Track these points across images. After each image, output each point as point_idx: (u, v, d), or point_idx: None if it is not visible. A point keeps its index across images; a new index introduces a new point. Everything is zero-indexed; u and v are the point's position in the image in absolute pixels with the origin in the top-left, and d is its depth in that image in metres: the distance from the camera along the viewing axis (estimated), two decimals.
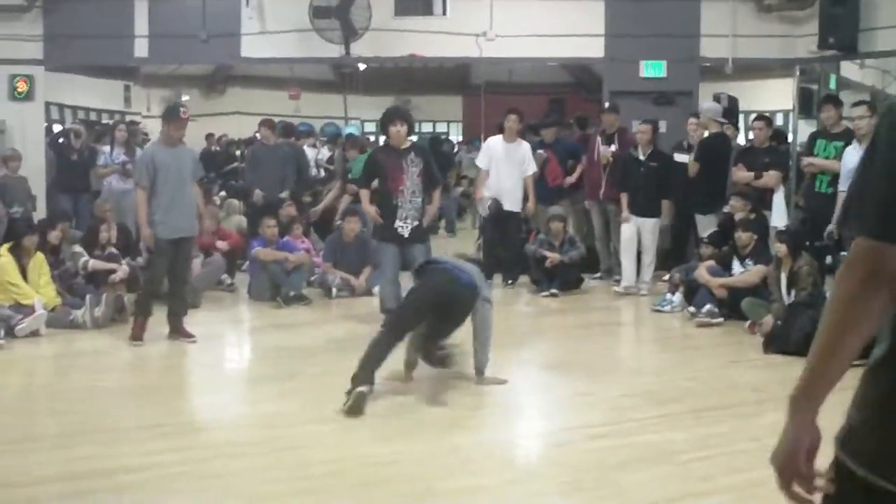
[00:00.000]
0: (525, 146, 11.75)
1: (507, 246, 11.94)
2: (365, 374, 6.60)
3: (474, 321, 7.07)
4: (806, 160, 10.52)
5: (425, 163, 9.38)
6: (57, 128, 15.58)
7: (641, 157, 11.42)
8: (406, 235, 9.26)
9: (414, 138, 10.06)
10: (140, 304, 8.94)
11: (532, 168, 11.69)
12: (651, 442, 5.85)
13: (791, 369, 7.69)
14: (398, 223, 9.24)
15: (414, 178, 9.29)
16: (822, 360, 2.03)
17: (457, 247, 13.70)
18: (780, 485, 2.08)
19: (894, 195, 1.93)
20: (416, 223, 9.29)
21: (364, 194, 9.70)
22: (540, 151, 12.61)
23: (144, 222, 8.70)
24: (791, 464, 2.06)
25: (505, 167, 11.50)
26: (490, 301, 7.25)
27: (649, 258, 11.39)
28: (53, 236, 10.12)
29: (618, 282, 11.82)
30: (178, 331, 8.89)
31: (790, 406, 2.07)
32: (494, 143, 11.80)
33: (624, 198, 11.46)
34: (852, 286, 1.97)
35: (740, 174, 10.86)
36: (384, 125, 9.48)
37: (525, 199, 11.78)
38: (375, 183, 9.62)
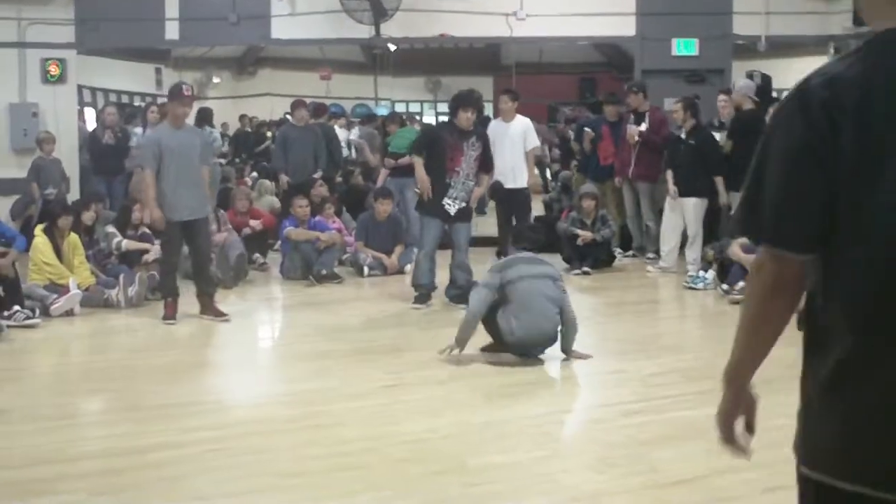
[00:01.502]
0: (524, 122, 11.59)
1: (518, 222, 11.85)
2: None
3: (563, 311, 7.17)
4: None
5: (484, 148, 9.50)
6: (89, 111, 15.68)
7: (683, 136, 11.31)
8: (452, 214, 9.34)
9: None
10: (163, 285, 9.02)
11: (533, 142, 11.57)
12: (684, 418, 5.82)
13: None
14: (447, 201, 9.32)
15: (471, 161, 9.43)
16: (742, 350, 2.19)
17: (485, 225, 13.66)
18: (721, 439, 2.31)
19: (788, 198, 1.99)
20: (463, 204, 9.37)
21: (418, 163, 9.68)
22: (587, 129, 12.55)
23: (152, 204, 8.69)
24: (727, 424, 2.28)
25: (502, 146, 11.37)
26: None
27: (692, 239, 11.15)
28: (87, 217, 10.18)
29: (650, 260, 11.76)
30: (209, 309, 8.92)
31: (723, 379, 2.26)
32: (492, 125, 11.68)
33: (669, 176, 11.30)
34: (759, 289, 2.09)
35: None
36: (454, 108, 9.58)
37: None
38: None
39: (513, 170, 11.27)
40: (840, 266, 1.98)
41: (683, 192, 11.10)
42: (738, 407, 2.27)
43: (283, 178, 12.77)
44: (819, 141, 1.93)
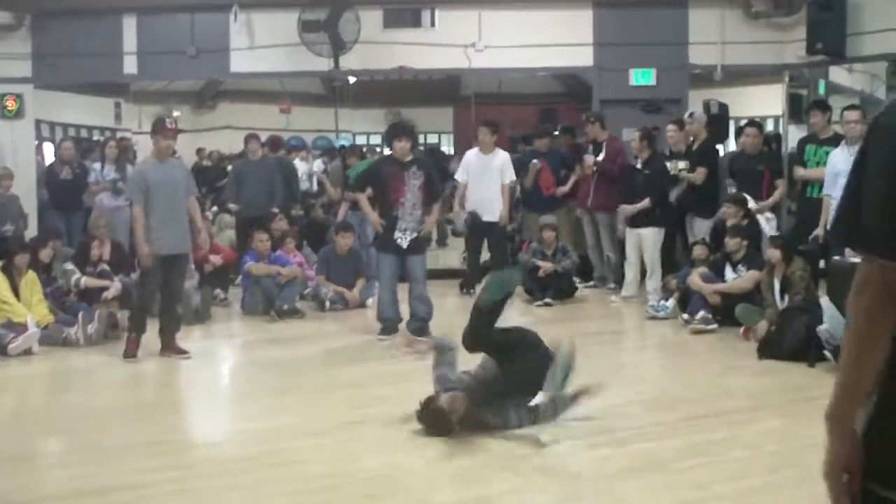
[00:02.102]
0: (502, 155, 11.71)
1: (494, 256, 11.93)
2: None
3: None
4: (798, 173, 10.62)
5: (427, 176, 9.52)
6: (47, 146, 15.55)
7: (638, 166, 11.42)
8: (405, 247, 9.34)
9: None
10: (133, 320, 8.89)
11: (510, 176, 11.66)
12: (647, 450, 5.85)
13: (786, 375, 7.74)
14: (397, 234, 9.36)
15: (415, 190, 9.42)
16: (848, 378, 2.10)
17: (446, 258, 13.70)
18: (831, 496, 2.14)
19: (890, 209, 1.98)
20: (414, 234, 9.38)
21: (362, 198, 9.76)
22: (535, 161, 12.63)
23: (142, 240, 8.64)
24: (838, 475, 2.11)
25: (482, 179, 11.47)
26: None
27: (650, 268, 11.23)
28: (45, 254, 10.09)
29: (612, 290, 11.83)
30: (170, 347, 8.86)
31: (827, 424, 2.13)
32: (470, 156, 11.79)
33: (622, 209, 11.43)
34: (867, 306, 2.03)
35: (801, 172, 10.75)
36: (389, 139, 9.64)
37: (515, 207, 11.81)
38: (369, 191, 9.71)
39: (490, 202, 11.35)
40: None
41: (640, 223, 11.20)
42: (847, 453, 2.11)
43: (233, 207, 12.76)
44: None
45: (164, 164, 8.80)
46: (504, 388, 6.23)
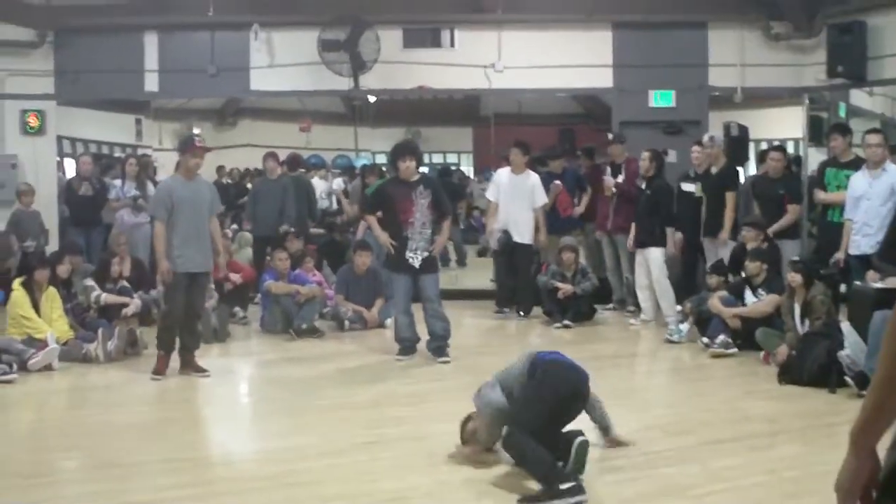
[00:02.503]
0: (533, 177, 11.77)
1: (519, 277, 11.95)
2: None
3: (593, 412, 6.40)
4: (818, 197, 10.60)
5: (434, 194, 9.50)
6: (69, 161, 15.64)
7: (643, 187, 11.43)
8: (417, 266, 9.34)
9: (424, 170, 10.13)
10: (161, 339, 8.90)
11: (542, 199, 11.69)
12: (666, 475, 5.81)
13: (806, 400, 7.70)
14: (409, 254, 9.35)
15: (423, 209, 9.41)
16: (878, 400, 2.07)
17: (467, 278, 13.69)
18: None
19: None
20: (426, 254, 9.39)
21: (372, 220, 9.78)
22: (557, 182, 12.65)
23: (163, 256, 8.67)
24: (851, 494, 2.11)
25: (513, 199, 11.52)
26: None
27: (659, 289, 11.23)
28: (62, 270, 10.10)
29: (631, 313, 11.80)
30: (189, 365, 8.87)
31: (850, 440, 2.12)
32: (502, 175, 11.84)
33: (632, 230, 11.44)
34: None
35: (822, 196, 10.75)
36: (394, 160, 9.63)
37: (537, 230, 11.81)
38: (380, 214, 9.75)
39: (517, 223, 11.36)
40: None
41: (645, 243, 11.20)
42: (863, 474, 2.12)
43: (246, 229, 12.80)
44: None
45: (191, 181, 8.83)
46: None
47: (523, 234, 11.53)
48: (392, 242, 9.45)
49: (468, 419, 6.17)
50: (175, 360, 8.93)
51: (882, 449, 2.13)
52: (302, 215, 13.35)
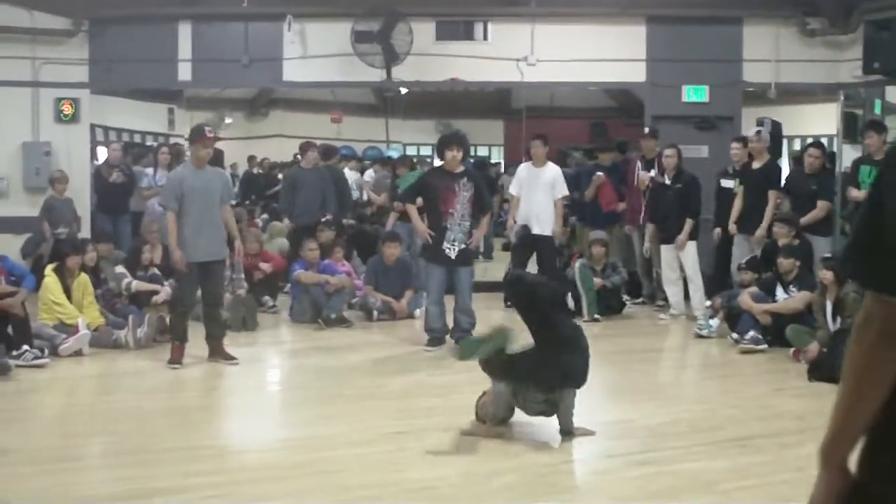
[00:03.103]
0: (554, 169, 11.67)
1: (543, 270, 11.88)
2: None
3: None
4: (852, 194, 10.51)
5: (476, 188, 9.53)
6: (102, 150, 15.74)
7: (668, 182, 11.37)
8: (453, 257, 9.34)
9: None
10: (174, 327, 8.97)
11: (562, 191, 11.61)
12: (692, 470, 5.78)
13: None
14: (446, 245, 9.37)
15: (465, 202, 9.44)
16: (845, 416, 2.02)
17: (493, 270, 13.68)
18: None
19: None
20: (463, 246, 9.38)
21: (412, 209, 9.78)
22: (599, 174, 12.60)
23: (175, 245, 8.72)
24: None
25: (533, 192, 11.41)
26: None
27: (695, 283, 11.21)
28: (88, 258, 10.10)
29: (660, 307, 11.75)
30: (218, 353, 8.92)
31: (819, 458, 2.07)
32: (522, 169, 11.75)
33: (649, 228, 11.43)
34: (868, 343, 1.94)
35: (855, 193, 10.70)
36: (441, 149, 9.61)
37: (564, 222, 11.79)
38: (420, 202, 9.73)
39: (538, 216, 11.29)
40: None
41: (674, 238, 11.15)
42: (835, 491, 2.06)
43: (285, 221, 12.71)
44: None
45: (202, 171, 8.86)
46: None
47: (544, 227, 11.43)
48: (430, 233, 9.44)
49: (483, 394, 6.49)
50: (202, 349, 8.98)
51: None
52: (339, 206, 13.35)
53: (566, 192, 11.75)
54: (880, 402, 1.97)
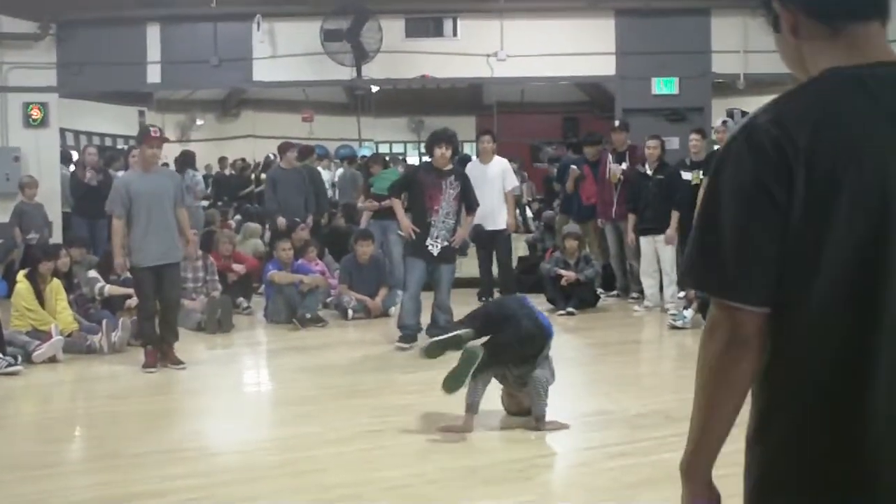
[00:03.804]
0: (501, 162, 11.69)
1: (499, 264, 11.89)
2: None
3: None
4: None
5: (464, 187, 9.54)
6: (73, 154, 15.67)
7: (649, 173, 11.43)
8: (435, 254, 9.36)
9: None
10: (141, 333, 8.93)
11: (512, 183, 11.64)
12: (670, 460, 5.73)
13: None
14: (429, 241, 9.37)
15: (451, 199, 9.46)
16: (701, 428, 1.96)
17: (468, 266, 13.71)
18: None
19: (741, 244, 1.83)
20: (445, 244, 9.39)
21: (397, 204, 9.77)
22: (573, 167, 12.63)
23: (118, 251, 8.67)
24: None
25: (483, 188, 11.34)
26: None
27: (670, 276, 11.26)
28: (61, 263, 10.04)
29: (635, 300, 11.81)
30: (167, 357, 8.81)
31: (682, 475, 2.02)
32: (471, 167, 11.63)
33: (630, 219, 11.48)
34: (716, 351, 1.87)
35: None
36: (430, 146, 9.62)
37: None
38: (405, 199, 9.78)
39: (492, 212, 11.30)
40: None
41: (657, 230, 11.20)
42: None
43: (282, 221, 12.63)
44: (773, 180, 1.79)
45: (150, 173, 8.75)
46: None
47: (498, 221, 11.45)
48: (414, 228, 9.45)
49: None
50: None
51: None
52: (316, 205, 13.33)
53: (516, 184, 11.80)
54: (736, 412, 1.91)
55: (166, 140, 9.24)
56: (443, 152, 9.47)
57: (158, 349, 8.77)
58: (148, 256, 8.61)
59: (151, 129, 8.94)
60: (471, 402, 6.35)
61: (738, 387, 1.89)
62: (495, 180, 11.43)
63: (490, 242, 11.66)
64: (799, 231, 1.79)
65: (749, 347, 1.85)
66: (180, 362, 8.83)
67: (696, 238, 1.90)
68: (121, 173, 13.58)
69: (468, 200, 9.70)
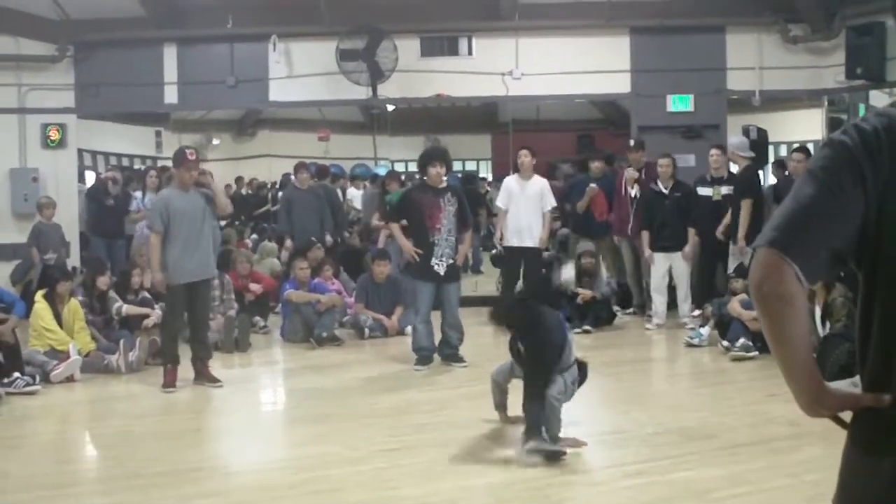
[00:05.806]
0: (541, 181, 11.67)
1: (529, 281, 11.87)
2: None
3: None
4: None
5: (460, 203, 9.51)
6: (90, 174, 15.75)
7: (665, 191, 11.42)
8: (442, 273, 9.34)
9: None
10: (164, 351, 8.99)
11: (551, 203, 11.63)
12: (686, 479, 5.80)
13: None
14: (434, 261, 9.34)
15: (450, 216, 9.44)
16: (784, 366, 2.08)
17: (481, 284, 13.72)
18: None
19: (791, 210, 2.00)
20: (451, 261, 9.39)
21: (396, 228, 9.79)
22: (593, 185, 12.62)
23: (156, 267, 8.74)
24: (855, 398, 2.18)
25: (522, 204, 11.41)
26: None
27: (683, 292, 11.28)
28: (102, 282, 10.14)
29: (650, 317, 11.79)
30: (203, 375, 8.90)
31: (812, 413, 2.15)
32: (510, 181, 11.73)
33: (645, 236, 11.46)
34: (756, 290, 2.01)
35: None
36: (423, 165, 9.62)
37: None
38: (404, 222, 9.75)
39: (529, 227, 11.30)
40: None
41: (672, 247, 11.20)
42: (848, 404, 2.17)
43: (288, 243, 12.65)
44: (866, 157, 1.96)
45: (187, 193, 8.87)
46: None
47: (531, 238, 11.46)
48: (417, 251, 9.44)
49: None
50: (187, 371, 8.96)
51: None
52: (334, 225, 13.39)
53: (554, 204, 11.77)
54: (805, 337, 2.05)
55: (204, 160, 9.33)
56: (437, 170, 9.48)
57: (176, 369, 8.80)
58: (185, 273, 8.71)
59: (188, 151, 9.03)
60: (497, 403, 6.94)
61: (802, 315, 2.03)
62: (534, 198, 11.41)
63: (520, 258, 11.59)
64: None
65: (798, 293, 1.99)
66: (217, 380, 8.88)
67: (786, 201, 2.04)
68: (137, 193, 13.68)
69: (464, 216, 9.65)
